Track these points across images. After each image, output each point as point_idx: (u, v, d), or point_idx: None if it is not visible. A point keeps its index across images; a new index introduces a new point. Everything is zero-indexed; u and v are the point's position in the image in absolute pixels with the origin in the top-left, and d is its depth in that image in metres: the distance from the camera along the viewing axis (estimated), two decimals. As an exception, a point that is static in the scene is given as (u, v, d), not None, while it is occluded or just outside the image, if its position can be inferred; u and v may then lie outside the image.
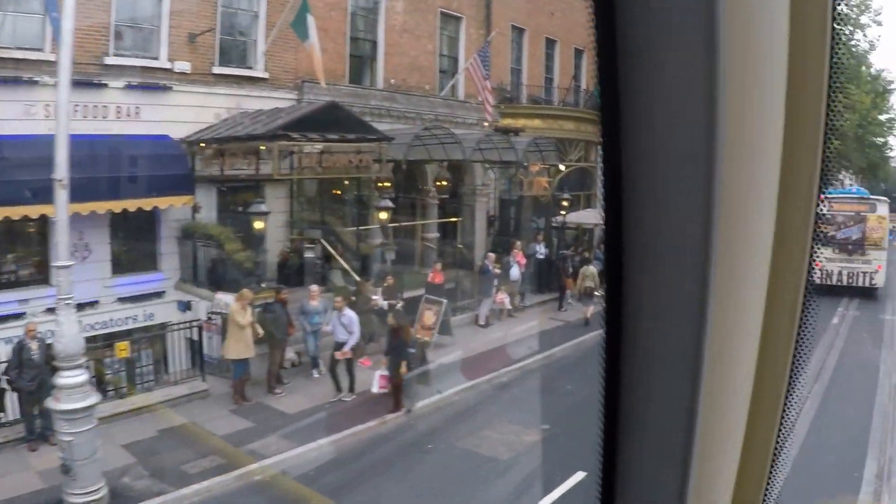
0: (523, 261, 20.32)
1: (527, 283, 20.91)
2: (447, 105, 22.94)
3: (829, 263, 25.08)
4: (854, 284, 25.15)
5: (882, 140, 47.68)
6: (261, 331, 13.62)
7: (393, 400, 13.06)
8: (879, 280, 25.41)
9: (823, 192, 1.23)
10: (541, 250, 22.05)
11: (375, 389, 13.18)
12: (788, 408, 1.37)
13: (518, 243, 20.88)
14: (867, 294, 25.47)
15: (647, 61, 1.11)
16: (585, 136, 26.19)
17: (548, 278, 21.78)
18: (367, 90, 20.49)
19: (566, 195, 23.17)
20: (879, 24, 60.24)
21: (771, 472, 1.43)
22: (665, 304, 1.23)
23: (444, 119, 21.95)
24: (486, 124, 22.89)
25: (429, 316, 16.31)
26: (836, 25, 1.12)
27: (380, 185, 18.09)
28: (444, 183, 21.01)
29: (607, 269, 1.26)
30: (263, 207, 15.07)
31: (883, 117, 44.70)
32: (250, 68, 17.92)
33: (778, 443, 1.41)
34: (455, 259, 21.08)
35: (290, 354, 14.81)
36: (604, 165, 1.19)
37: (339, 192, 19.01)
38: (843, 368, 16.35)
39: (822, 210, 1.25)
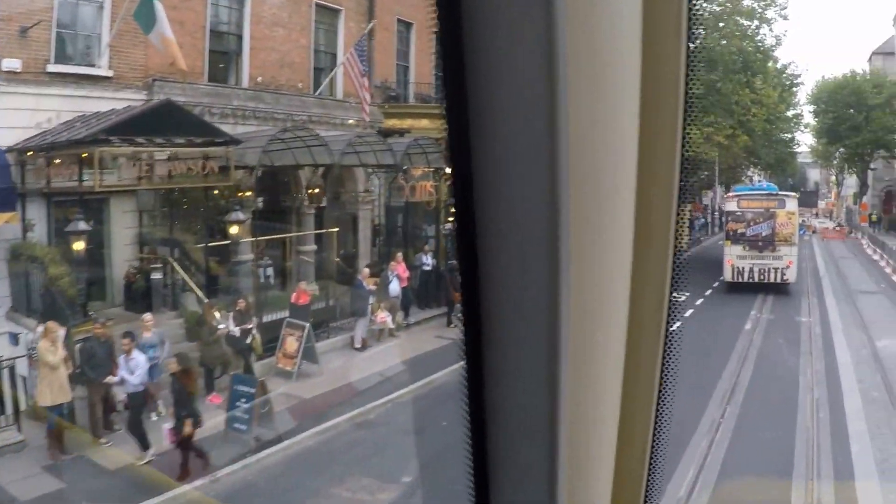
0: (405, 273, 18.64)
1: (411, 297, 19.25)
2: (322, 105, 21.07)
3: (740, 261, 25.92)
4: (766, 281, 25.75)
5: (789, 136, 49.03)
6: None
7: (181, 460, 10.85)
8: (791, 275, 25.95)
9: (684, 187, 1.19)
10: (427, 261, 20.40)
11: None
12: (662, 409, 1.36)
13: (398, 254, 19.25)
14: (779, 290, 25.85)
15: (489, 51, 1.00)
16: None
17: (436, 292, 20.08)
18: (229, 89, 18.57)
19: (456, 200, 21.61)
20: (785, 18, 61.72)
21: (649, 479, 1.42)
22: (520, 315, 1.14)
23: (318, 120, 20.19)
24: (350, 122, 21.12)
25: (291, 342, 14.44)
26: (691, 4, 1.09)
27: (239, 194, 16.13)
28: (318, 190, 19.19)
29: (462, 282, 1.16)
30: (82, 225, 13.04)
31: (790, 113, 45.44)
32: (92, 66, 15.93)
33: (654, 447, 1.39)
34: (333, 274, 19.28)
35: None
36: (451, 166, 1.09)
37: (192, 204, 16.98)
38: (759, 384, 15.07)
39: (683, 202, 1.21)
